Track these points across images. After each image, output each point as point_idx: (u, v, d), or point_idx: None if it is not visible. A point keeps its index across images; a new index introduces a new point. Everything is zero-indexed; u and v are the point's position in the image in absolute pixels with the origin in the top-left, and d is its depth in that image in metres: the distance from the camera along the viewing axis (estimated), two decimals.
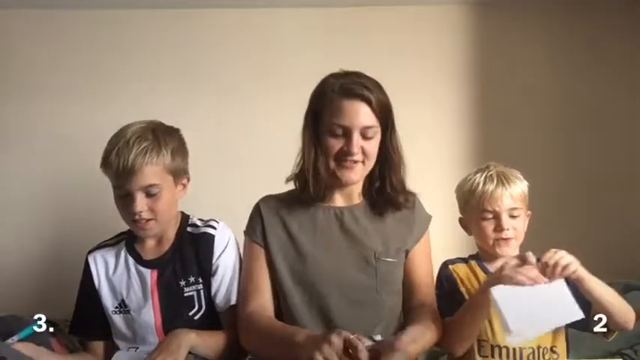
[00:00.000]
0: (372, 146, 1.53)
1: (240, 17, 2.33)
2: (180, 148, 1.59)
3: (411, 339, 1.43)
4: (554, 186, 2.21)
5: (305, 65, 2.30)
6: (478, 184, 1.63)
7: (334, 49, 2.32)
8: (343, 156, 1.51)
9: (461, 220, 1.71)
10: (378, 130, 1.53)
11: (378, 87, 1.53)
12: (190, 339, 1.48)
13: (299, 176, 1.59)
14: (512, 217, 1.61)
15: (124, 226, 1.70)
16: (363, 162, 1.53)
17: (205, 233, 1.63)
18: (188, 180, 1.64)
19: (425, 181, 2.13)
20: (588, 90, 2.33)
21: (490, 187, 1.61)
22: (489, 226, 1.62)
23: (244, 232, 1.65)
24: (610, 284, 1.99)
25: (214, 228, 1.64)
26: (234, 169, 2.24)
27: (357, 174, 1.54)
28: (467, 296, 1.60)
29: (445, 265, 1.68)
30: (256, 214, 1.63)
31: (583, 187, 2.29)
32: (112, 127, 2.23)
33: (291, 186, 1.64)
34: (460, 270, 1.67)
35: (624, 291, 1.99)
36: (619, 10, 2.33)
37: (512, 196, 1.61)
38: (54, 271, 2.20)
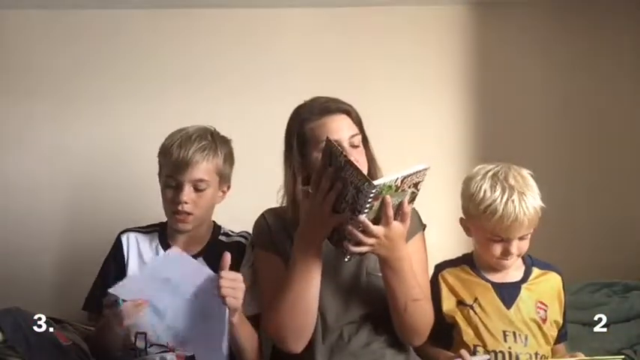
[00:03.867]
0: (362, 155, 1.56)
1: (240, 17, 2.32)
2: (230, 156, 1.72)
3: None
4: (555, 185, 2.19)
5: (305, 65, 2.31)
6: (496, 208, 1.49)
7: (334, 49, 2.31)
8: None
9: (462, 221, 1.64)
10: (361, 138, 1.57)
11: (351, 105, 1.58)
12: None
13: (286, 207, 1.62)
14: (523, 238, 1.54)
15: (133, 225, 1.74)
16: None
17: (239, 242, 1.70)
18: (228, 188, 1.74)
19: (425, 180, 2.16)
20: (589, 90, 2.33)
21: (511, 215, 1.47)
22: (497, 248, 1.54)
23: (252, 244, 1.66)
24: (610, 284, 2.02)
25: (247, 239, 1.71)
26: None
27: None
28: (451, 312, 1.58)
29: (434, 275, 1.64)
30: (263, 223, 1.64)
31: (583, 187, 2.29)
32: (113, 127, 2.28)
33: None
34: (450, 277, 1.62)
35: (624, 291, 1.99)
36: (619, 10, 2.32)
37: (529, 223, 1.50)
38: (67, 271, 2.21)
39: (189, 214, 1.62)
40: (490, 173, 1.55)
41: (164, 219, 1.74)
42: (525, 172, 1.57)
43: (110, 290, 1.39)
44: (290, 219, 1.59)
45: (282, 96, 2.26)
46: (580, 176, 2.30)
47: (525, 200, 1.49)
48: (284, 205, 1.61)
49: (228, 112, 2.24)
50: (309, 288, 1.45)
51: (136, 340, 1.60)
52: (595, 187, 2.30)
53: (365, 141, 1.60)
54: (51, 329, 1.68)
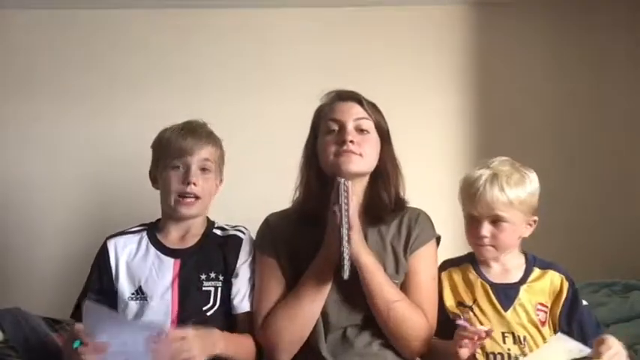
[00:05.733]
0: (370, 141, 1.57)
1: (240, 17, 2.33)
2: (223, 151, 1.73)
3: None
4: (554, 186, 2.20)
5: (305, 65, 2.31)
6: (468, 178, 1.56)
7: (334, 49, 2.32)
8: (339, 146, 1.54)
9: (459, 200, 1.64)
10: (373, 126, 1.58)
11: (371, 102, 1.62)
12: (219, 347, 1.48)
13: (298, 199, 1.65)
14: (495, 223, 1.54)
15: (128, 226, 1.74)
16: (360, 154, 1.55)
17: (235, 236, 1.69)
18: (221, 182, 1.74)
19: (425, 181, 2.16)
20: (588, 89, 2.33)
21: (476, 187, 1.53)
22: (470, 229, 1.57)
23: (254, 246, 1.67)
24: (610, 284, 2.02)
25: (243, 233, 1.70)
26: (236, 170, 2.24)
27: (355, 163, 1.54)
28: (452, 309, 1.58)
29: (437, 273, 1.63)
30: (266, 228, 1.65)
31: (583, 187, 2.29)
32: (112, 127, 2.28)
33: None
34: (452, 276, 1.62)
35: (624, 291, 1.99)
36: (619, 10, 2.33)
37: (494, 205, 1.51)
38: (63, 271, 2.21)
39: (196, 197, 1.62)
40: (489, 160, 1.60)
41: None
42: (526, 171, 1.57)
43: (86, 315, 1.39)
44: (296, 216, 1.61)
45: (281, 96, 2.28)
46: (580, 176, 2.30)
47: (495, 180, 1.52)
48: (294, 201, 1.65)
49: (229, 112, 2.25)
50: (317, 302, 1.50)
51: None
52: (595, 187, 2.30)
53: (385, 138, 1.62)
54: (50, 330, 1.69)
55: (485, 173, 1.55)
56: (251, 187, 2.20)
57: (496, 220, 1.54)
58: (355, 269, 1.47)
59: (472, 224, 1.57)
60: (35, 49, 2.30)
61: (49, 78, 2.29)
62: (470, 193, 1.54)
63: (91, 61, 2.31)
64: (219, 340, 1.49)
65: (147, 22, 2.32)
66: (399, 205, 1.62)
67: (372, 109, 1.61)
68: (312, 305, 1.50)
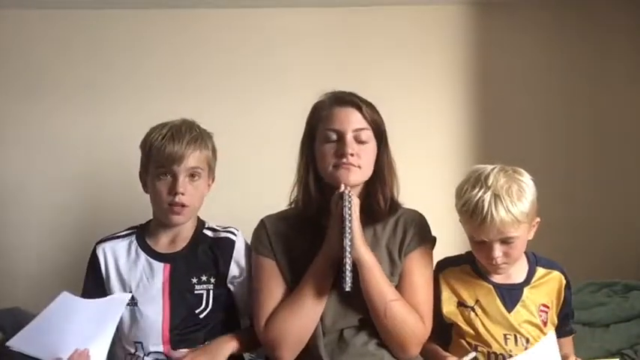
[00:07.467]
0: (368, 151, 1.56)
1: (239, 17, 2.33)
2: (214, 149, 1.71)
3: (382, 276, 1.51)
4: (554, 186, 2.21)
5: (305, 65, 2.31)
6: (469, 206, 1.48)
7: (334, 49, 2.32)
8: (338, 159, 1.53)
9: (461, 221, 1.61)
10: (372, 134, 1.57)
11: (369, 104, 1.59)
12: (232, 348, 1.57)
13: (297, 199, 1.64)
14: (506, 242, 1.49)
15: (124, 225, 1.73)
16: (359, 166, 1.54)
17: (227, 238, 1.68)
18: (213, 181, 1.72)
19: (425, 180, 2.16)
20: (589, 89, 2.33)
21: (479, 215, 1.45)
22: (480, 250, 1.52)
23: (251, 250, 1.66)
24: (610, 284, 2.02)
25: (235, 235, 1.69)
26: (232, 170, 2.24)
27: (354, 174, 1.53)
28: (450, 315, 1.57)
29: (435, 273, 1.61)
30: (262, 229, 1.64)
31: (583, 187, 2.29)
32: (111, 127, 2.28)
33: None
34: (451, 277, 1.60)
35: (624, 291, 1.99)
36: (620, 10, 2.33)
37: (503, 226, 1.45)
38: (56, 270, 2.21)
39: (184, 205, 1.60)
40: (479, 173, 1.53)
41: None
42: (520, 177, 1.52)
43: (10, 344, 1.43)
44: (294, 219, 1.61)
45: (280, 96, 2.28)
46: (580, 176, 2.30)
47: (499, 202, 1.45)
48: (291, 202, 1.64)
49: (228, 112, 2.25)
50: (321, 300, 1.51)
51: (136, 350, 1.60)
52: (595, 187, 2.30)
53: (382, 144, 1.60)
54: None
55: (485, 197, 1.46)
56: (251, 187, 2.20)
57: (506, 240, 1.49)
58: (354, 275, 1.46)
59: (482, 248, 1.52)
60: (31, 50, 2.29)
61: (46, 78, 2.28)
62: (476, 222, 1.47)
63: (90, 61, 2.30)
64: (227, 342, 1.54)
65: (146, 21, 2.31)
66: (393, 206, 1.62)
67: (370, 112, 1.58)
68: (315, 304, 1.51)
